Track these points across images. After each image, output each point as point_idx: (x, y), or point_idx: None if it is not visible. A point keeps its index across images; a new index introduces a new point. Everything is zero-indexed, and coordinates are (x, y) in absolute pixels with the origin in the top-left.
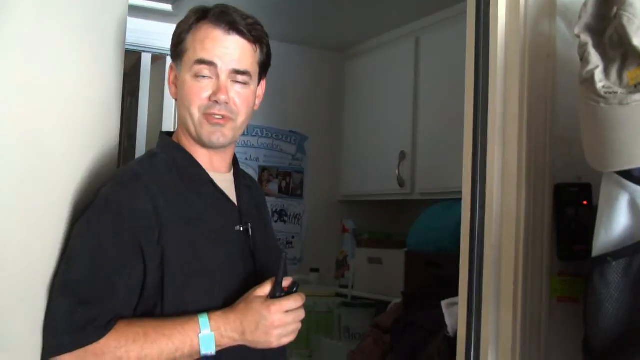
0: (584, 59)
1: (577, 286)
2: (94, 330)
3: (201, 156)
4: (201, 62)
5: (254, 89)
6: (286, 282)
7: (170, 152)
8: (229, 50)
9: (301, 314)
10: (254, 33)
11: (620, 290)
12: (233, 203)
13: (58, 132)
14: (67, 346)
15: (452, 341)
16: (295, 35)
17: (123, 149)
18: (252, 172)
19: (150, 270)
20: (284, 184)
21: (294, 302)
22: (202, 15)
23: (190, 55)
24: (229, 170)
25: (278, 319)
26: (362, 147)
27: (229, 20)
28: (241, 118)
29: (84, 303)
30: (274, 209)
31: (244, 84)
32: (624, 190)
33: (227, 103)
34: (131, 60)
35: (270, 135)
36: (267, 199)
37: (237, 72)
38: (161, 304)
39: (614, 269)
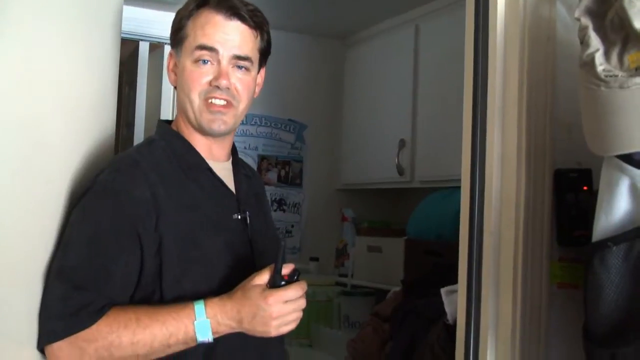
0: (584, 42)
1: (577, 272)
2: (87, 315)
3: (200, 144)
4: (202, 47)
5: (254, 76)
6: (287, 270)
7: (169, 140)
8: (230, 35)
9: (302, 303)
10: (255, 19)
11: (621, 275)
12: (231, 191)
13: (54, 120)
14: (60, 333)
15: (451, 329)
16: (294, 23)
17: (121, 138)
18: (251, 161)
19: (147, 257)
20: (283, 172)
21: (294, 291)
22: (202, 2)
23: (190, 41)
24: (228, 159)
25: (277, 310)
26: (362, 136)
27: (230, 6)
28: (242, 105)
29: (79, 288)
30: (273, 198)
31: (245, 69)
32: (624, 174)
33: (228, 88)
34: (129, 48)
35: (269, 124)
36: (266, 187)
37: (238, 57)
38: (160, 291)
39: (615, 254)
